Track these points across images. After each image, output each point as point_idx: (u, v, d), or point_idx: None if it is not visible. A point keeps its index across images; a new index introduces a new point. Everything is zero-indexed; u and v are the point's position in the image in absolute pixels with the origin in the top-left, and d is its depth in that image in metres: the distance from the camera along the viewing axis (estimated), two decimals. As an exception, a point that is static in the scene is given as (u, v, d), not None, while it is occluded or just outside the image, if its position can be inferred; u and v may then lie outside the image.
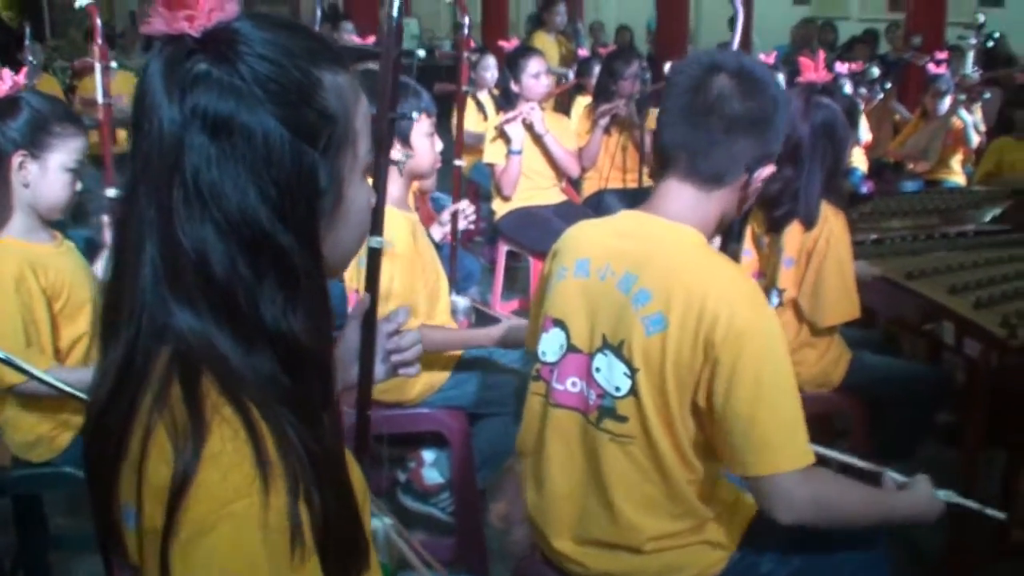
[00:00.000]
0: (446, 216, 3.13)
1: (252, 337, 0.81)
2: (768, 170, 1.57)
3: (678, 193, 1.56)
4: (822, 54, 2.42)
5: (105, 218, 2.52)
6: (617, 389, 1.53)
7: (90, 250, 2.43)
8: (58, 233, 2.25)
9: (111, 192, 2.51)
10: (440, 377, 2.54)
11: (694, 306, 1.45)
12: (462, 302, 2.88)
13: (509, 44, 5.65)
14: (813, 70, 2.40)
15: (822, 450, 1.65)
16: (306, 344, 0.84)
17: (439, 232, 3.11)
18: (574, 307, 1.61)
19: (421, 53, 3.30)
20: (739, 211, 1.62)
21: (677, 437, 1.50)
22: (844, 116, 2.41)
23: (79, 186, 2.18)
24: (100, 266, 2.40)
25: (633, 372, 1.50)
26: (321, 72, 0.84)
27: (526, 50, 4.56)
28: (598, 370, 1.56)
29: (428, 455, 2.72)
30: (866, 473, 1.71)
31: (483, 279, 4.45)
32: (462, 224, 3.12)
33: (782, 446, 1.43)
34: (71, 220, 2.33)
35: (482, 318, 2.88)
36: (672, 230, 1.55)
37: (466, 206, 3.10)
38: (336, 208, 0.87)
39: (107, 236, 2.48)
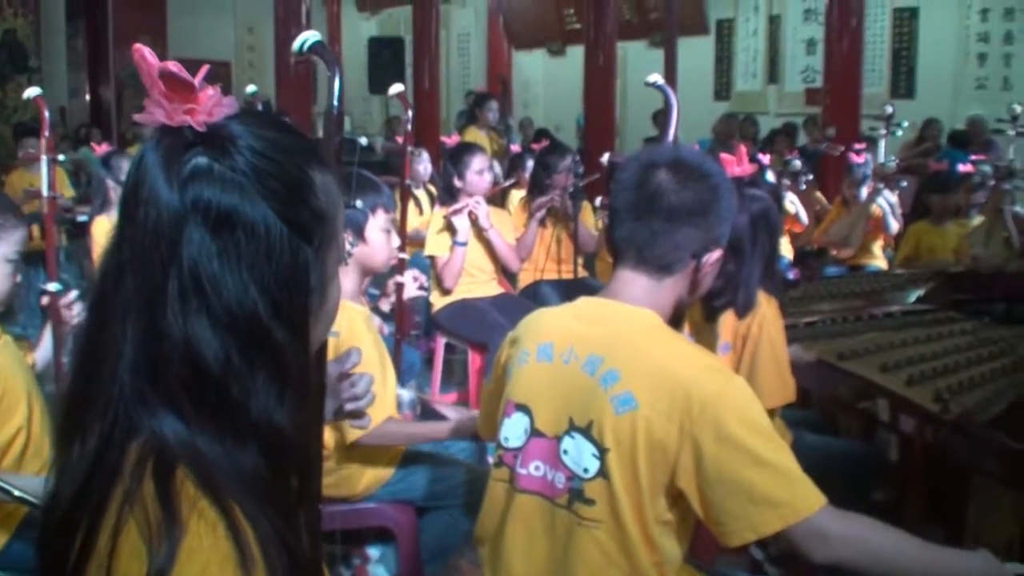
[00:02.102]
0: (390, 287, 3.18)
1: (236, 431, 0.81)
2: (716, 255, 1.63)
3: (632, 282, 1.64)
4: (743, 148, 2.50)
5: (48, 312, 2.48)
6: (585, 471, 1.55)
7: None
8: None
9: (52, 286, 2.48)
10: (387, 471, 2.51)
11: (663, 385, 1.49)
12: (407, 395, 2.88)
13: (450, 140, 5.77)
14: (736, 164, 2.47)
15: None
16: (291, 438, 0.83)
17: (386, 304, 3.15)
18: (538, 391, 1.64)
19: (363, 141, 3.38)
20: (692, 294, 1.68)
21: (644, 518, 1.52)
22: (775, 203, 2.50)
23: (19, 278, 2.16)
24: (34, 359, 2.36)
25: (603, 452, 1.52)
26: (312, 171, 0.86)
27: (469, 147, 4.64)
28: (566, 452, 1.58)
29: (374, 551, 2.67)
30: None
31: (421, 372, 4.44)
32: (410, 293, 3.17)
33: (792, 496, 1.45)
34: (-4, 317, 2.28)
35: (426, 411, 2.88)
36: (632, 313, 1.61)
37: (416, 274, 3.17)
38: (321, 305, 0.89)
39: (45, 332, 2.46)
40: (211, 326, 0.79)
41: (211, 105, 0.82)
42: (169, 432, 0.79)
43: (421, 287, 3.25)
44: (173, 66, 0.81)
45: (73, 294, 2.47)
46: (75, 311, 2.44)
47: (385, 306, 3.16)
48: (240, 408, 0.81)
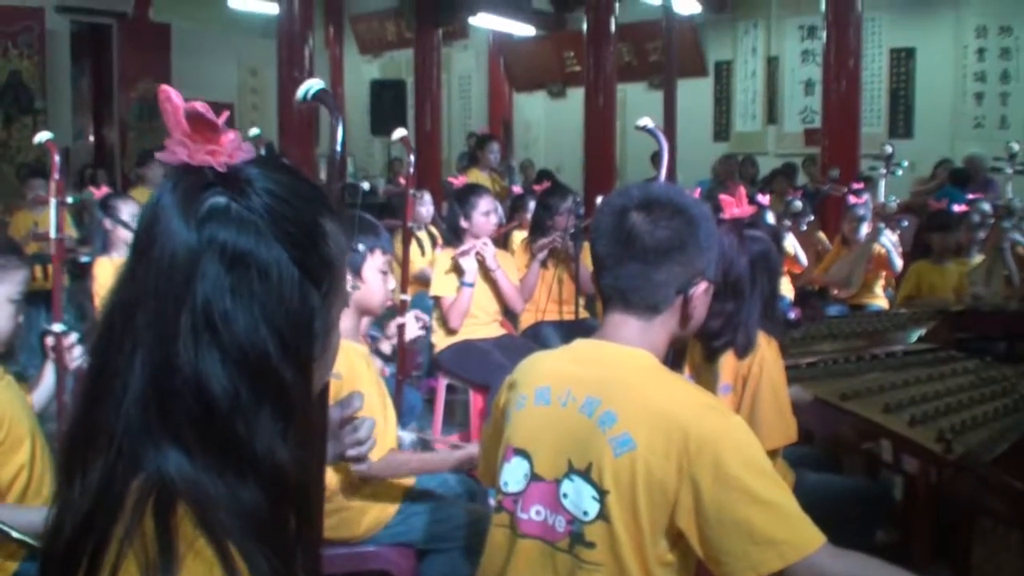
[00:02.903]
0: (392, 329, 3.17)
1: (239, 467, 0.81)
2: (702, 286, 1.64)
3: (623, 324, 1.65)
4: (742, 189, 2.51)
5: (51, 352, 2.49)
6: (585, 513, 1.54)
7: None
8: None
9: (57, 327, 2.49)
10: (388, 512, 2.50)
11: (660, 425, 1.49)
12: (408, 436, 2.87)
13: (458, 181, 5.81)
14: (736, 205, 2.47)
15: None
16: (292, 477, 0.84)
17: (387, 346, 3.14)
18: (536, 435, 1.63)
19: (366, 186, 3.41)
20: (685, 327, 1.68)
21: (646, 560, 1.51)
22: (774, 244, 2.50)
23: (21, 318, 2.17)
24: (34, 399, 2.37)
25: (603, 495, 1.52)
26: (324, 219, 0.88)
27: (475, 188, 4.67)
28: (565, 495, 1.57)
29: (374, 595, 2.65)
30: None
31: (422, 413, 4.43)
32: (412, 333, 3.16)
33: (792, 534, 1.44)
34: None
35: (427, 452, 2.87)
36: (627, 354, 1.62)
37: (419, 314, 3.17)
38: (323, 351, 0.90)
39: (45, 371, 2.46)
40: (221, 361, 0.81)
41: (232, 147, 0.84)
42: (172, 467, 0.80)
43: (424, 327, 3.25)
44: (200, 107, 0.83)
45: (73, 337, 2.48)
46: (75, 354, 2.45)
47: (386, 348, 3.16)
48: (245, 445, 0.81)
